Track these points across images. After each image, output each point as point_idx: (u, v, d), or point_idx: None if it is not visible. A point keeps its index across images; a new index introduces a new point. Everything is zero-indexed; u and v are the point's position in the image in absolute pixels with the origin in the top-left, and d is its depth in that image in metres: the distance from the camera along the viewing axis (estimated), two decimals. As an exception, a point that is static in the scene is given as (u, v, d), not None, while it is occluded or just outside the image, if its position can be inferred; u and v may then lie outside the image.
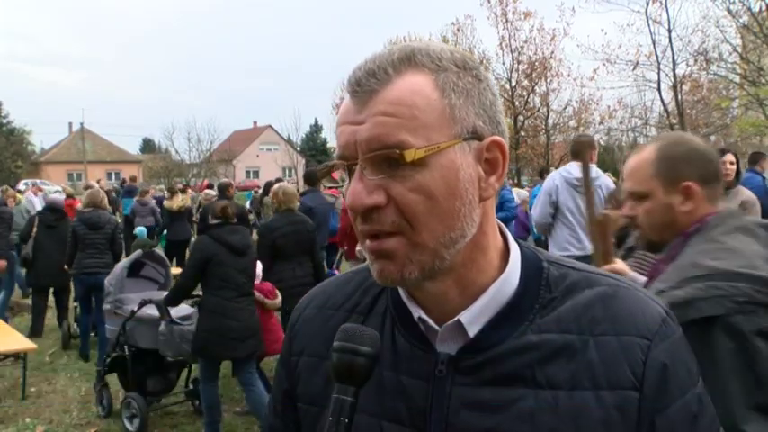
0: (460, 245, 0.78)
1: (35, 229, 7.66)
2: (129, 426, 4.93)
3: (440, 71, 0.77)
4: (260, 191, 16.51)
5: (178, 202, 11.20)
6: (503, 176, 0.81)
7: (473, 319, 0.81)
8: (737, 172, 4.91)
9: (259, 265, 5.18)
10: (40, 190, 18.21)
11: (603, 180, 5.05)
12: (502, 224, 0.88)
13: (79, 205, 9.74)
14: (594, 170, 5.03)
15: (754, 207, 4.69)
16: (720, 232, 1.55)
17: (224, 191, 10.00)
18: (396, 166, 0.74)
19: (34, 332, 7.61)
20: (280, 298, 5.20)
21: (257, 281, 5.05)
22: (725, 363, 1.35)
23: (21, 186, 28.38)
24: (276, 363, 1.04)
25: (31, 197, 16.19)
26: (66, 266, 6.84)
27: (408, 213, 0.75)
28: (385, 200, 0.75)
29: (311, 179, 7.88)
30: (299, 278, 5.62)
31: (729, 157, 4.82)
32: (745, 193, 4.73)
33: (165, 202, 11.67)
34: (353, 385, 0.75)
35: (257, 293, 4.95)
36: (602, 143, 39.23)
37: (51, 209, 7.94)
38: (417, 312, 0.83)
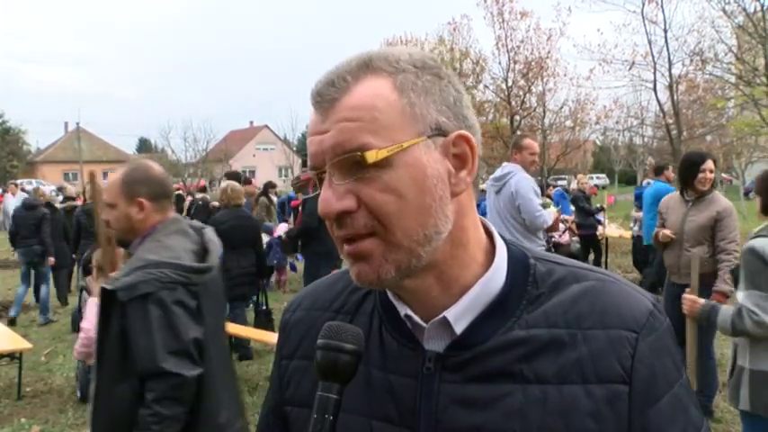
0: (436, 242, 0.78)
1: None
2: (77, 392, 5.70)
3: (398, 73, 0.78)
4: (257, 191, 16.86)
5: None
6: (474, 170, 0.81)
7: (459, 315, 0.81)
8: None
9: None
10: (23, 190, 18.17)
11: (515, 178, 5.08)
12: (486, 220, 0.88)
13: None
14: (509, 167, 5.17)
15: (730, 216, 4.50)
16: (163, 234, 2.16)
17: (265, 190, 11.07)
18: (361, 168, 0.75)
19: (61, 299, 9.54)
20: None
21: None
22: (153, 324, 1.97)
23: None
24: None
25: (8, 197, 16.25)
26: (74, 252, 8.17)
27: (380, 214, 0.75)
28: (355, 204, 0.76)
29: (235, 178, 8.40)
30: (244, 268, 6.44)
31: (710, 165, 4.61)
32: (721, 203, 4.58)
33: None
34: (338, 383, 0.75)
35: None
36: (598, 143, 39.37)
37: (47, 205, 9.23)
38: (404, 310, 0.84)
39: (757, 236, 3.00)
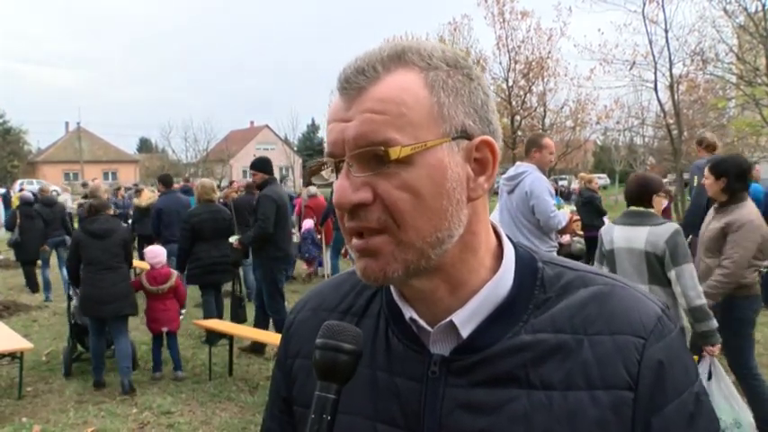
0: (447, 245, 0.77)
1: (18, 220, 10.27)
2: (62, 369, 6.44)
3: (429, 69, 0.76)
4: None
5: (146, 199, 11.88)
6: (493, 176, 0.80)
7: (466, 319, 0.80)
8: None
9: (161, 251, 6.39)
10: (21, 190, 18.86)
11: (529, 178, 4.97)
12: (496, 224, 0.87)
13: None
14: (524, 167, 5.07)
15: (739, 231, 4.00)
16: None
17: (250, 190, 11.57)
18: (382, 163, 0.73)
19: (31, 287, 10.66)
20: (167, 285, 6.19)
21: (160, 266, 6.23)
22: None
23: (17, 186, 28.41)
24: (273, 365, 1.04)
25: None
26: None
27: (394, 211, 0.74)
28: (371, 197, 0.75)
29: (166, 182, 9.32)
30: (214, 258, 7.03)
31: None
32: (736, 214, 4.06)
33: (135, 200, 12.61)
34: (336, 383, 0.75)
35: (143, 278, 6.20)
36: (598, 143, 39.34)
37: (26, 203, 10.55)
38: (409, 313, 0.83)
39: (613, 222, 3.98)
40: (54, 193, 12.04)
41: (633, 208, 3.81)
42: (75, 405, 5.52)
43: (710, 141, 6.57)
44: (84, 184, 13.15)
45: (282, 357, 0.98)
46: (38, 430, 4.98)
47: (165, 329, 6.20)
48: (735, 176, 4.11)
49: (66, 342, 6.53)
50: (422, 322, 0.82)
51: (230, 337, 6.24)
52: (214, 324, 6.49)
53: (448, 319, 0.80)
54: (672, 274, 3.61)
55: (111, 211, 6.70)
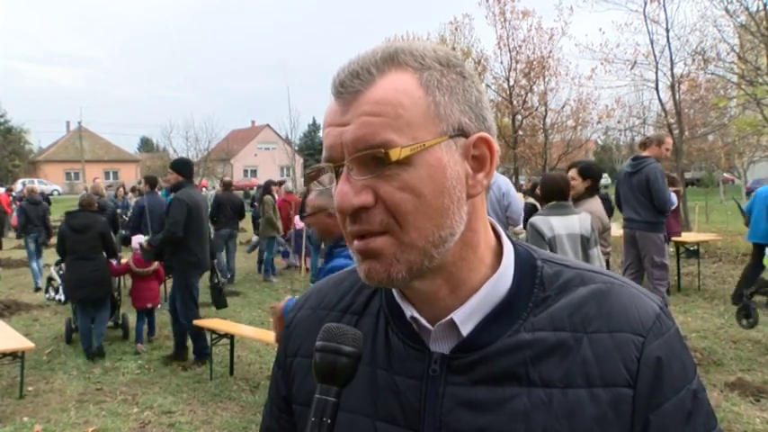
0: (450, 243, 0.77)
1: None
2: (63, 336, 7.59)
3: (423, 69, 0.77)
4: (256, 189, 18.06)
5: None
6: (491, 173, 0.80)
7: (466, 317, 0.80)
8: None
9: (139, 239, 7.35)
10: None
11: (501, 180, 5.40)
12: (495, 222, 0.87)
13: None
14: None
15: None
16: None
17: (268, 188, 12.72)
18: (382, 165, 0.74)
19: None
20: (152, 268, 7.27)
21: (138, 254, 7.20)
22: None
23: (18, 185, 28.44)
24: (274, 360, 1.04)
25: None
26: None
27: (397, 212, 0.74)
28: (373, 200, 0.75)
29: (151, 182, 9.96)
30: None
31: None
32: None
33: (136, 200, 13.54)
34: (336, 385, 0.74)
35: (131, 261, 7.28)
36: (599, 142, 39.32)
37: None
38: (410, 311, 0.83)
39: (537, 214, 4.66)
40: (55, 193, 12.88)
41: (559, 201, 4.59)
42: (76, 404, 5.52)
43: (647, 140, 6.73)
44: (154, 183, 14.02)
45: (282, 356, 0.98)
46: (39, 430, 4.98)
47: (149, 305, 7.34)
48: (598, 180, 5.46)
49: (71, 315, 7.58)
50: (423, 321, 0.82)
51: (231, 337, 6.25)
52: (215, 324, 6.50)
53: (448, 318, 0.80)
54: (594, 252, 4.46)
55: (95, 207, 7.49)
